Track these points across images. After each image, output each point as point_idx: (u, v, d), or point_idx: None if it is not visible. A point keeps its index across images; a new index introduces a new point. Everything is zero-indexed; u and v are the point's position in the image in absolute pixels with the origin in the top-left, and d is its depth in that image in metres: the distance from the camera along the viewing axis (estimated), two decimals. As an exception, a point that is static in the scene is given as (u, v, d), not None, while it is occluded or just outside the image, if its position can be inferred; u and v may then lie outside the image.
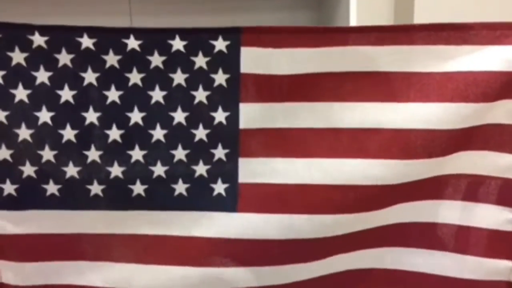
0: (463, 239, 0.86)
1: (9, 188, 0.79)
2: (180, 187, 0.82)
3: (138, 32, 0.75)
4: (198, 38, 0.77)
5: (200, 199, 0.83)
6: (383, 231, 0.86)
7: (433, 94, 0.79)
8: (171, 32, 0.76)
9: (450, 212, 0.86)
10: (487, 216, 0.85)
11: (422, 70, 0.79)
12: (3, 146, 0.77)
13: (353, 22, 1.23)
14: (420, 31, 0.78)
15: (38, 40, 0.74)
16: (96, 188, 0.80)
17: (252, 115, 0.81)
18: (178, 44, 0.77)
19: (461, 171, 0.84)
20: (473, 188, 0.85)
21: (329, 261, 0.86)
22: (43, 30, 0.73)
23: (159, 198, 0.82)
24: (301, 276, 0.86)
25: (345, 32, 0.80)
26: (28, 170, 0.78)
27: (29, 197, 0.80)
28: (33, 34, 0.73)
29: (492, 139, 0.82)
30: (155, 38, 0.76)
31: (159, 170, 0.81)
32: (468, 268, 0.85)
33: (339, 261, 0.86)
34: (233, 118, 0.81)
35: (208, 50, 0.77)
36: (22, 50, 0.74)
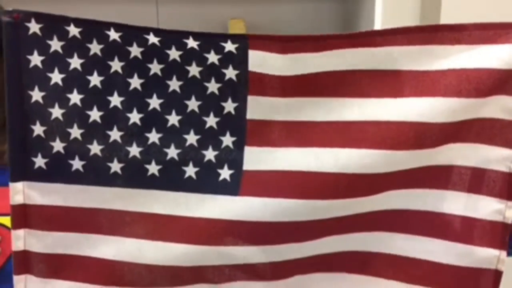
0: (452, 227, 0.89)
1: (40, 161, 0.88)
2: (190, 170, 0.91)
3: (156, 31, 0.85)
4: (210, 40, 0.86)
5: (207, 183, 0.91)
6: (374, 216, 0.91)
7: (427, 90, 0.84)
8: (185, 33, 0.85)
9: (441, 201, 0.89)
10: (478, 206, 0.87)
11: (417, 69, 0.84)
12: (38, 123, 0.87)
13: (378, 14, 1.25)
14: (416, 32, 0.84)
15: (73, 31, 0.83)
16: (115, 166, 0.89)
17: (258, 107, 0.89)
18: (192, 43, 0.86)
19: (453, 163, 0.88)
20: (464, 179, 0.88)
21: (321, 242, 0.92)
22: (77, 22, 0.83)
23: (171, 179, 0.90)
24: (295, 255, 0.93)
25: (344, 38, 0.87)
26: (58, 146, 0.87)
27: (56, 171, 0.88)
28: (69, 25, 0.83)
29: (483, 133, 0.85)
30: (171, 37, 0.85)
31: (172, 152, 0.90)
32: (455, 255, 0.89)
33: (331, 242, 0.93)
34: (241, 109, 0.90)
35: (219, 50, 0.87)
36: (59, 39, 0.83)
